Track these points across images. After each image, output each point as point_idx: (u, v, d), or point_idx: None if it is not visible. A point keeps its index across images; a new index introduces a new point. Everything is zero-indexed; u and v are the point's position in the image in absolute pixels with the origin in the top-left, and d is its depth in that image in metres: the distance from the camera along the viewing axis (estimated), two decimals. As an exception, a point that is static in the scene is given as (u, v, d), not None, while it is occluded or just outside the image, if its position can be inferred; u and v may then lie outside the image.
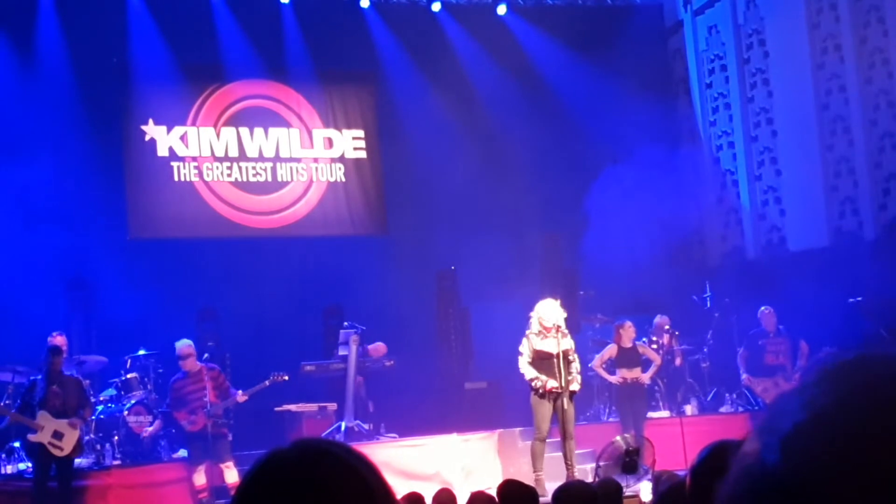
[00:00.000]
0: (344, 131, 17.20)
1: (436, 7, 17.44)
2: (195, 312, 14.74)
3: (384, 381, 14.50)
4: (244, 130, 16.53)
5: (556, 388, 11.28)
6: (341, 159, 17.14)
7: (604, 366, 13.36)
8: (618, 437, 11.63)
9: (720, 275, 16.45)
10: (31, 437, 11.02)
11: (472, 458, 13.14)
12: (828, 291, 14.24)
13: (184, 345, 12.23)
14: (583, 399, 13.51)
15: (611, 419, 14.20)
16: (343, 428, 13.36)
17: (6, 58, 15.11)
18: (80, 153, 14.88)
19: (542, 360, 11.32)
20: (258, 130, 16.60)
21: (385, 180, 17.32)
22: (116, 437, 12.47)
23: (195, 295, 14.90)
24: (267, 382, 12.50)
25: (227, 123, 16.46)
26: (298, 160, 16.85)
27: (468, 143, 17.07)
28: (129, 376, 13.13)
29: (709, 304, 15.74)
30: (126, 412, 12.63)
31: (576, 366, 11.54)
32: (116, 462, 12.28)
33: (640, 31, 17.86)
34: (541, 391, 11.30)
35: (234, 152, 16.45)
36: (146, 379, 13.29)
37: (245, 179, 16.48)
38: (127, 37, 15.74)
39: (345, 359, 13.92)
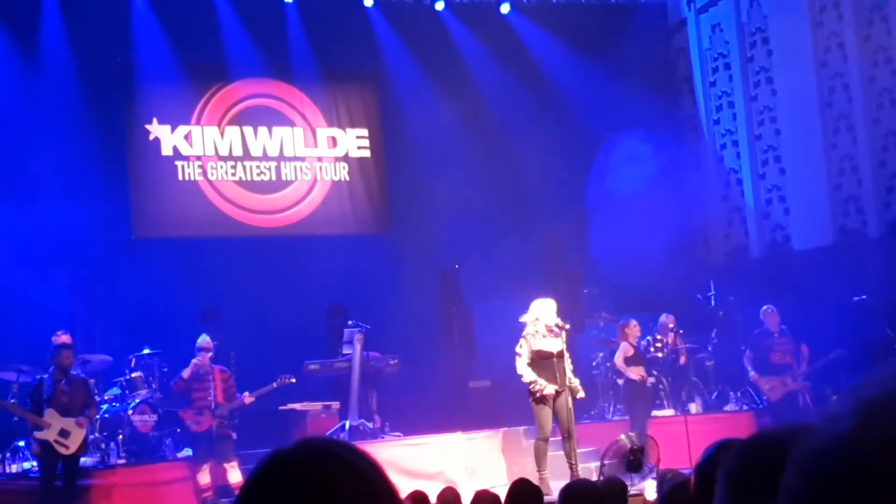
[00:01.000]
0: (348, 130, 17.21)
1: (439, 5, 17.44)
2: (199, 311, 14.75)
3: (388, 381, 14.50)
4: (248, 129, 16.54)
5: (555, 391, 11.28)
6: (345, 158, 17.14)
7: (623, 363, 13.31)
8: (622, 436, 11.63)
9: (724, 273, 16.44)
10: (38, 435, 11.03)
11: (476, 456, 13.15)
12: (832, 290, 14.24)
13: (205, 339, 12.32)
14: (587, 397, 13.50)
15: (615, 417, 14.20)
16: (347, 427, 13.37)
17: (10, 57, 15.13)
18: (84, 152, 14.89)
19: (542, 360, 11.32)
20: (262, 129, 16.61)
21: (389, 179, 17.32)
22: (121, 436, 12.48)
23: (199, 294, 14.90)
24: (274, 385, 12.50)
25: (231, 122, 16.47)
26: (302, 159, 16.86)
27: (472, 141, 17.06)
28: (133, 375, 13.14)
29: (713, 303, 15.74)
30: (131, 411, 12.63)
31: (570, 367, 11.54)
32: (121, 461, 12.29)
33: (644, 30, 17.85)
34: (538, 395, 11.30)
35: (238, 151, 16.45)
36: (151, 378, 13.30)
37: (249, 178, 16.48)
38: (131, 36, 15.74)
39: (349, 358, 13.92)
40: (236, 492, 1.43)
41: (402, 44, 17.22)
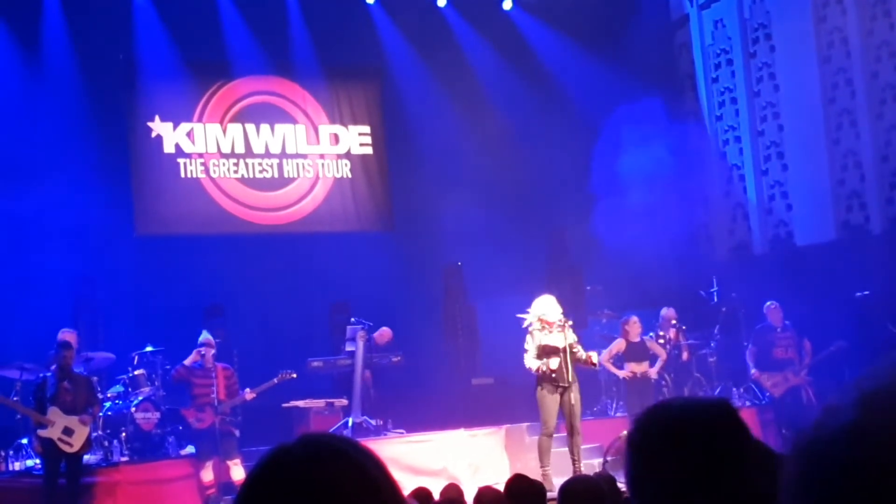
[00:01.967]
0: (350, 127, 17.20)
1: (441, 2, 17.42)
2: (202, 309, 14.75)
3: (391, 377, 14.50)
4: (250, 127, 16.53)
5: (562, 382, 11.26)
6: (347, 155, 17.14)
7: (612, 360, 13.36)
8: (625, 432, 11.62)
9: (727, 269, 16.42)
10: (42, 433, 11.04)
11: (480, 453, 13.14)
12: (835, 286, 14.23)
13: (208, 336, 12.35)
14: (590, 394, 13.51)
15: (618, 414, 14.20)
16: (350, 424, 13.37)
17: (12, 55, 15.12)
18: (87, 150, 14.88)
19: (549, 355, 11.30)
20: (264, 127, 16.60)
21: (391, 176, 17.32)
22: (124, 434, 12.48)
23: (202, 291, 14.90)
24: (275, 380, 12.52)
25: (233, 120, 16.46)
26: (304, 156, 16.85)
27: (474, 138, 17.06)
28: (136, 373, 13.14)
29: (716, 299, 15.72)
30: (134, 409, 12.64)
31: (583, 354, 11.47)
32: (124, 458, 12.29)
33: (646, 26, 17.81)
34: (545, 371, 11.21)
35: (240, 149, 16.45)
36: (154, 375, 13.30)
37: (251, 176, 16.48)
38: (133, 33, 15.73)
39: (352, 355, 13.92)
40: (239, 489, 1.41)
41: (404, 40, 17.21)
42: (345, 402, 13.80)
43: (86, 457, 11.49)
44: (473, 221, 16.31)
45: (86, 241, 14.55)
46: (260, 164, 16.55)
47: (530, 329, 11.43)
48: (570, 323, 11.50)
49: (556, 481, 10.25)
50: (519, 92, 17.32)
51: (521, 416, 13.24)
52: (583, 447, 11.70)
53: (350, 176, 17.09)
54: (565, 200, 16.59)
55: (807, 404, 13.43)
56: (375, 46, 17.13)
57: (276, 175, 16.63)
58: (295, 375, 12.70)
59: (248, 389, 12.33)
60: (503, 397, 14.66)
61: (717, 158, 17.78)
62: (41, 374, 11.50)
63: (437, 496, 7.33)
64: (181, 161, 16.11)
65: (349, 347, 14.01)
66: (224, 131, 16.39)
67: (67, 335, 12.06)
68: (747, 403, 14.46)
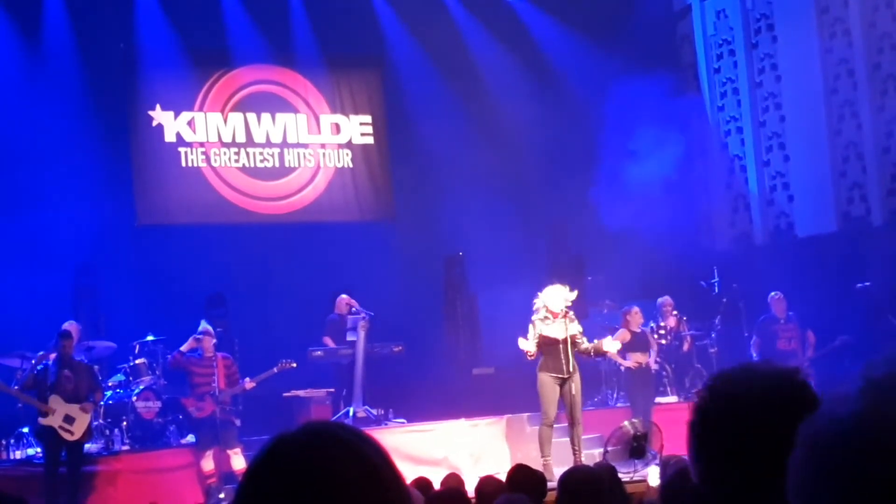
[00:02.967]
0: (351, 117, 17.18)
1: (443, -8, 17.40)
2: (203, 298, 14.75)
3: (392, 367, 14.50)
4: (251, 116, 16.51)
5: (561, 373, 11.27)
6: (349, 145, 17.12)
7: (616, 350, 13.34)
8: (626, 423, 11.64)
9: (728, 260, 16.41)
10: (42, 421, 11.07)
11: (480, 443, 13.16)
12: (836, 277, 14.24)
13: (206, 326, 12.38)
14: (591, 384, 13.51)
15: (619, 404, 14.20)
16: (351, 413, 13.38)
17: (13, 44, 15.10)
18: (87, 139, 14.86)
19: (548, 346, 11.30)
20: (265, 116, 16.58)
21: (392, 166, 17.30)
22: (125, 423, 12.50)
23: (203, 281, 14.89)
24: (275, 369, 12.53)
25: (234, 109, 16.44)
26: (306, 146, 16.84)
27: (475, 127, 17.03)
28: (137, 362, 13.16)
29: (717, 290, 15.73)
30: (135, 398, 12.66)
31: (587, 345, 11.44)
32: (125, 447, 12.32)
33: (649, 16, 17.76)
34: (542, 340, 11.18)
35: (241, 138, 16.44)
36: (155, 364, 13.32)
37: (252, 165, 16.47)
38: (133, 22, 15.70)
39: (353, 344, 13.92)
40: (240, 478, 1.41)
41: (405, 29, 17.18)
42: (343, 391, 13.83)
43: (87, 445, 11.51)
44: (475, 211, 16.30)
45: (87, 230, 14.54)
46: (261, 154, 16.54)
47: (534, 318, 11.42)
48: (570, 313, 11.47)
49: (557, 471, 10.26)
50: (520, 82, 17.29)
51: (522, 406, 13.24)
52: (583, 437, 11.71)
53: (351, 165, 17.07)
54: (567, 190, 16.56)
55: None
56: (376, 35, 17.10)
57: (277, 164, 16.61)
58: (295, 365, 12.70)
59: (247, 379, 12.34)
60: (504, 387, 14.66)
61: (719, 149, 17.76)
62: (43, 363, 11.47)
63: (437, 486, 7.34)
64: (182, 150, 16.09)
65: (350, 337, 14.01)
66: (225, 120, 16.37)
67: (71, 327, 12.08)
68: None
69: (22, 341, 12.62)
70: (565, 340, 11.26)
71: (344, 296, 14.46)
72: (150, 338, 13.51)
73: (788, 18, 16.57)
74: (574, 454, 11.36)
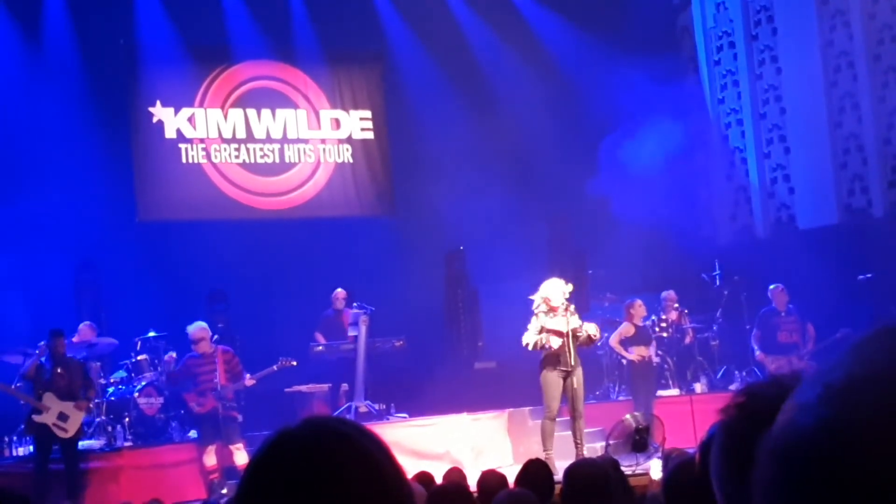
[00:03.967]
0: (351, 112, 17.18)
1: (443, -14, 17.39)
2: (205, 294, 14.76)
3: (394, 361, 14.51)
4: (251, 112, 16.51)
5: (565, 366, 11.26)
6: (349, 140, 17.12)
7: (620, 343, 13.35)
8: (627, 416, 11.64)
9: (729, 253, 16.40)
10: (36, 418, 11.11)
11: (482, 437, 13.16)
12: (837, 269, 14.22)
13: (196, 328, 12.21)
14: (593, 378, 13.51)
15: (621, 398, 14.21)
16: (353, 409, 13.39)
17: (13, 40, 15.10)
18: (88, 135, 14.86)
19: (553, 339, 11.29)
20: (265, 111, 16.58)
21: (393, 161, 17.30)
22: (127, 419, 12.52)
23: (204, 277, 14.90)
24: (275, 367, 12.52)
25: (234, 105, 16.44)
26: (306, 141, 16.84)
27: (476, 122, 17.01)
28: (139, 358, 13.17)
29: (718, 283, 15.72)
30: (137, 394, 12.67)
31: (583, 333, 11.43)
32: (127, 443, 12.33)
33: (649, 9, 17.74)
34: (544, 346, 11.19)
35: (241, 134, 16.44)
36: (156, 360, 13.33)
37: (253, 161, 16.48)
38: (134, 18, 15.70)
39: (354, 340, 13.93)
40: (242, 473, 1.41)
41: (405, 24, 17.17)
42: (345, 386, 13.84)
43: (89, 442, 11.53)
44: (475, 206, 16.29)
45: (88, 226, 14.54)
46: (261, 150, 16.54)
47: (537, 312, 11.41)
48: (571, 306, 11.45)
49: (559, 465, 10.26)
50: (520, 76, 17.28)
51: (524, 400, 13.24)
52: (585, 431, 11.71)
53: (351, 161, 17.07)
54: (567, 184, 16.55)
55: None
56: (377, 30, 17.10)
57: (277, 160, 16.62)
58: (295, 363, 12.70)
59: (248, 375, 12.34)
60: (506, 381, 14.67)
61: (720, 141, 17.75)
62: (38, 353, 11.47)
63: (439, 480, 7.34)
64: (182, 146, 16.10)
65: (352, 332, 14.02)
66: (225, 116, 16.37)
67: (85, 328, 12.12)
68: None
69: (24, 339, 12.63)
70: (568, 334, 11.25)
71: (340, 290, 14.48)
72: (151, 334, 13.53)
73: (788, 10, 16.55)
74: (576, 448, 11.36)
